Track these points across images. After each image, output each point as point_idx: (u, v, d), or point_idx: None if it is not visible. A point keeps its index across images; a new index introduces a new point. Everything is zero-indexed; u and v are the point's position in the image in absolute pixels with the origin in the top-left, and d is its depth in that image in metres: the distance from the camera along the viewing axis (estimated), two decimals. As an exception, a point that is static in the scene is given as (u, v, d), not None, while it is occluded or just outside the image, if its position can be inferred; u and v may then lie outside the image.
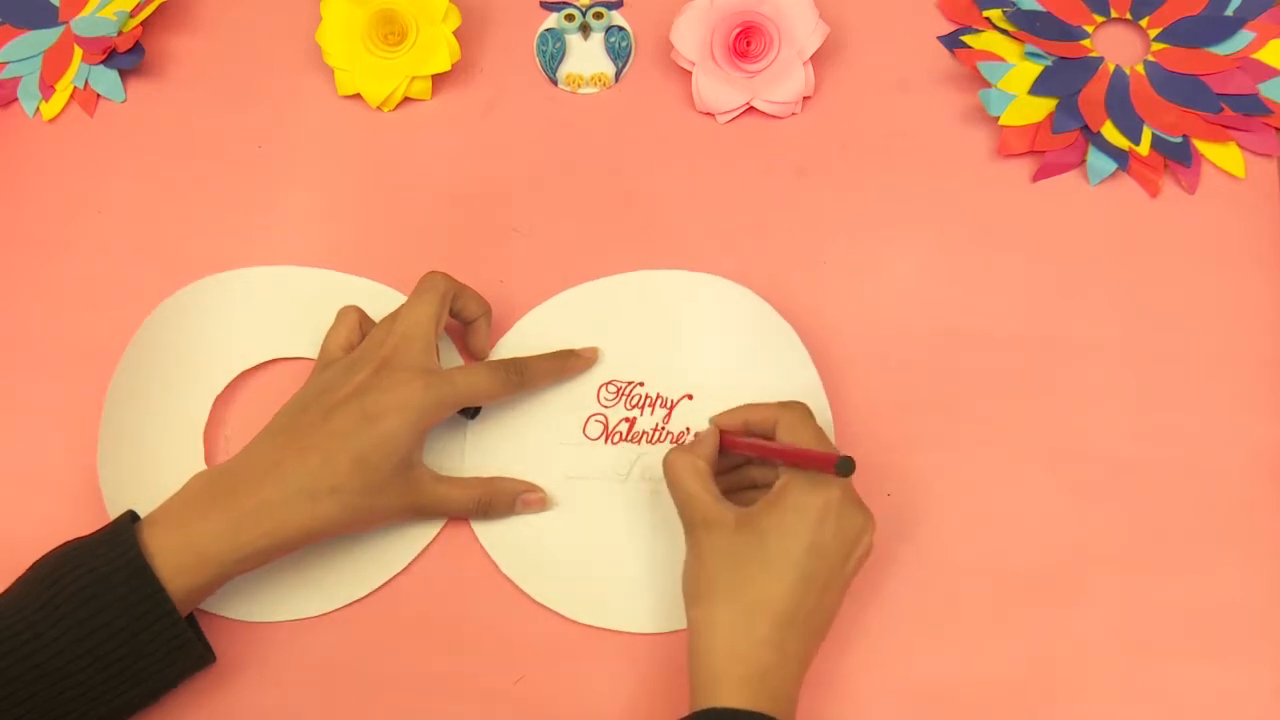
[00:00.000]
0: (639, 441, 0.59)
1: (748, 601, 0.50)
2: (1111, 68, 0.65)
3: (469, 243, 0.64)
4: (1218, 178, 0.63)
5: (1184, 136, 0.63)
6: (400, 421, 0.53)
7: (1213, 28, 0.65)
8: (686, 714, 0.49)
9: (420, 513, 0.57)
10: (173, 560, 0.50)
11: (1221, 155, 0.63)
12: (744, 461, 0.57)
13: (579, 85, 0.68)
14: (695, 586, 0.52)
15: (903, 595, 0.56)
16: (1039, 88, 0.64)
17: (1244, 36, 0.65)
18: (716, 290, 0.61)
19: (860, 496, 0.53)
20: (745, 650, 0.49)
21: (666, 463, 0.54)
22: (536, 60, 0.68)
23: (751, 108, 0.66)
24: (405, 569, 0.58)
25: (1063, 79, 0.64)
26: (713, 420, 0.56)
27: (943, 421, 0.59)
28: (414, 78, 0.66)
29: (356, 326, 0.58)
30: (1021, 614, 0.56)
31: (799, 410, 0.54)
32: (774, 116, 0.66)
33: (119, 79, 0.68)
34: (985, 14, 0.66)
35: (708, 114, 0.66)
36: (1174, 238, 0.62)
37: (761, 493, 0.53)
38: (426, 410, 0.54)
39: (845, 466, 0.48)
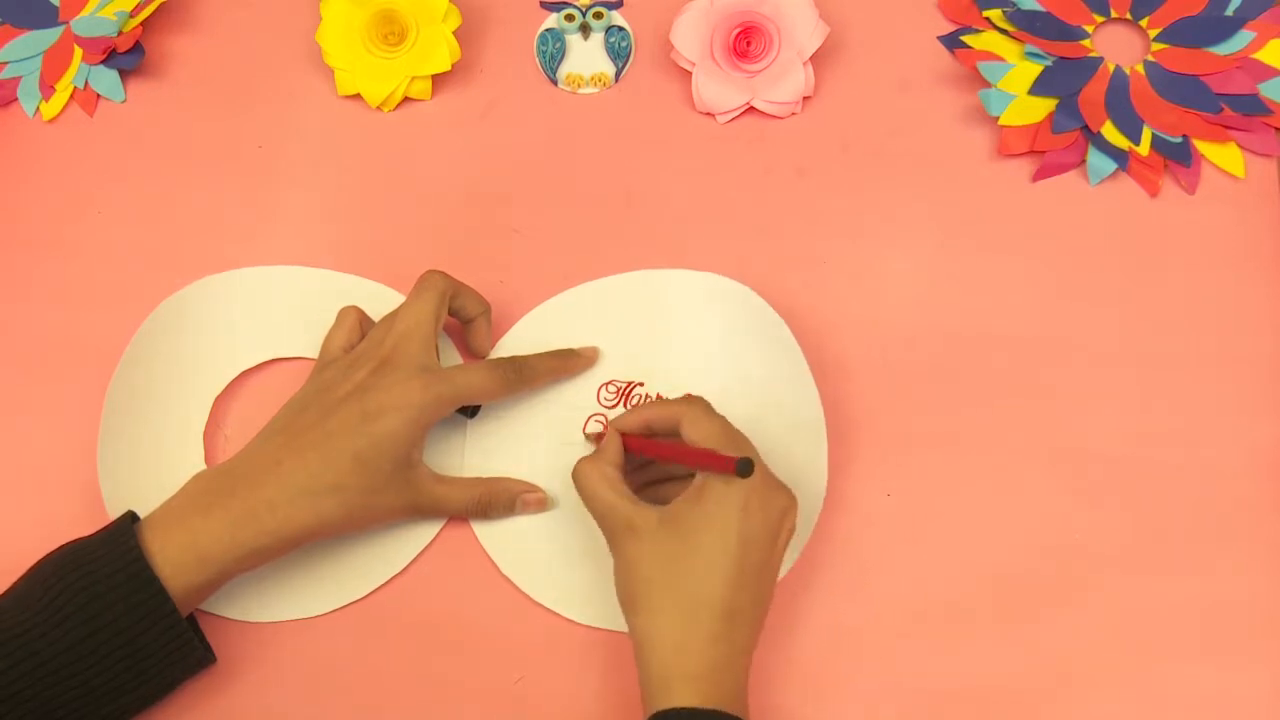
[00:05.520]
0: (639, 441, 0.59)
1: (688, 600, 0.49)
2: (1111, 68, 0.65)
3: (469, 243, 0.64)
4: (1218, 178, 0.63)
5: (1184, 136, 0.63)
6: (399, 420, 0.53)
7: (1213, 28, 0.65)
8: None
9: (420, 512, 0.57)
10: (173, 560, 0.50)
11: (1221, 155, 0.63)
12: (650, 459, 0.56)
13: (579, 85, 0.68)
14: (632, 594, 0.51)
15: (902, 595, 0.56)
16: (1039, 88, 0.64)
17: (1244, 36, 0.65)
18: (717, 289, 0.61)
19: (778, 477, 0.52)
20: (694, 647, 0.49)
21: (576, 474, 0.53)
22: (536, 60, 0.68)
23: (751, 108, 0.66)
24: (405, 569, 0.58)
25: (1063, 79, 0.64)
26: (611, 425, 0.55)
27: (942, 421, 0.59)
28: (414, 78, 0.66)
29: (356, 326, 0.58)
30: (1021, 614, 0.56)
31: (699, 405, 0.53)
32: (774, 116, 0.66)
33: (119, 79, 0.68)
34: (985, 14, 0.66)
35: (708, 114, 0.66)
36: (1174, 238, 0.62)
37: (678, 483, 0.53)
38: (425, 409, 0.54)
39: (744, 468, 0.48)
